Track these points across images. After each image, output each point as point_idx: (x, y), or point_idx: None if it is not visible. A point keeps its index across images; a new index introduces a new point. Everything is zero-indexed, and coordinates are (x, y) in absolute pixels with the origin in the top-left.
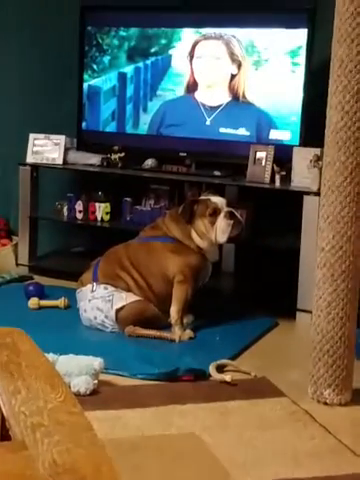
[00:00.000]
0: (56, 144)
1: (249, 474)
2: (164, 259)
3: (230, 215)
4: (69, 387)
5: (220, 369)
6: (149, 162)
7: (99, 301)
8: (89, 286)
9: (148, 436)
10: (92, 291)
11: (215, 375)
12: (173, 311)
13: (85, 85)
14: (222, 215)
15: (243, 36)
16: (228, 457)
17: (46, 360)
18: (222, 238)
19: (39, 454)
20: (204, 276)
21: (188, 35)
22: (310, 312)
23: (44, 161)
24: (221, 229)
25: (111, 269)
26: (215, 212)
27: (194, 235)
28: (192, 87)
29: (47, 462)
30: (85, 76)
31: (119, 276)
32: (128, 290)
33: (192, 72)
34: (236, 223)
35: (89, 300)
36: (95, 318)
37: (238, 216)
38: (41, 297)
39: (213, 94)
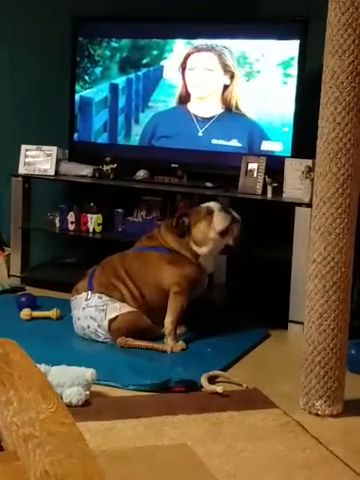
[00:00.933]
0: (48, 155)
1: None
2: (160, 270)
3: (224, 210)
4: (61, 398)
5: (212, 380)
6: (141, 173)
7: (93, 310)
8: (84, 294)
9: (140, 447)
10: (86, 300)
11: (207, 386)
12: (167, 322)
13: (77, 96)
14: (216, 211)
15: (235, 47)
16: (220, 468)
17: (38, 371)
18: (221, 227)
19: (31, 465)
20: (200, 288)
21: (180, 46)
22: (302, 323)
23: (36, 172)
24: (220, 221)
25: (106, 278)
26: (209, 213)
27: (193, 245)
28: (184, 98)
29: (39, 473)
30: (77, 87)
31: (114, 286)
32: (123, 300)
33: (184, 83)
34: (233, 217)
35: (83, 308)
36: (88, 327)
37: (232, 212)
38: (33, 308)
39: (205, 105)
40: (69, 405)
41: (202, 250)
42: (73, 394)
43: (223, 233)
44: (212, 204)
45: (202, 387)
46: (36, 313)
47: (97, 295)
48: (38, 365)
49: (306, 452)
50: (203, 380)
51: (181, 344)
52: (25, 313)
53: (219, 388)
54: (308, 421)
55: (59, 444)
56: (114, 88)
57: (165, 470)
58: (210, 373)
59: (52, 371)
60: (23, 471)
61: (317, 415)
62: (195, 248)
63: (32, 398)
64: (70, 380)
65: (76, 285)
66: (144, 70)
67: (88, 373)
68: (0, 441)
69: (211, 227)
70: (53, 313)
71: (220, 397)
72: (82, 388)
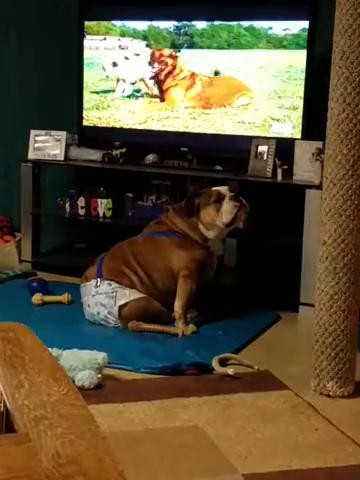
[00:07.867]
0: (57, 140)
1: (252, 466)
2: (169, 253)
3: (235, 198)
4: (73, 382)
5: (223, 363)
6: (150, 157)
7: (102, 297)
8: (93, 281)
9: (152, 429)
10: (96, 286)
11: (218, 369)
12: (177, 306)
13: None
14: (227, 199)
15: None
16: (231, 450)
17: (49, 354)
18: (228, 219)
19: (42, 446)
20: (209, 271)
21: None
22: (312, 306)
23: (46, 157)
24: (227, 211)
25: (115, 265)
26: (219, 198)
27: (201, 227)
28: None
29: (50, 454)
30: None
31: (123, 272)
32: (132, 287)
33: None
34: (242, 205)
35: (93, 295)
36: (98, 313)
37: (242, 200)
38: (45, 293)
39: None
40: (81, 388)
41: (209, 233)
42: (85, 377)
43: (229, 224)
44: (224, 190)
45: (213, 369)
46: (47, 298)
47: (106, 282)
48: (50, 349)
49: (317, 433)
50: (214, 363)
51: (192, 327)
52: (36, 298)
53: (230, 370)
54: (319, 402)
55: (70, 426)
56: None
57: (177, 452)
58: (221, 356)
59: (64, 355)
60: (35, 452)
61: (328, 396)
62: (203, 230)
63: (43, 381)
64: (82, 364)
65: (85, 272)
66: None
67: (100, 356)
68: (12, 423)
69: (219, 215)
70: (64, 298)
71: (231, 379)
72: (94, 371)
